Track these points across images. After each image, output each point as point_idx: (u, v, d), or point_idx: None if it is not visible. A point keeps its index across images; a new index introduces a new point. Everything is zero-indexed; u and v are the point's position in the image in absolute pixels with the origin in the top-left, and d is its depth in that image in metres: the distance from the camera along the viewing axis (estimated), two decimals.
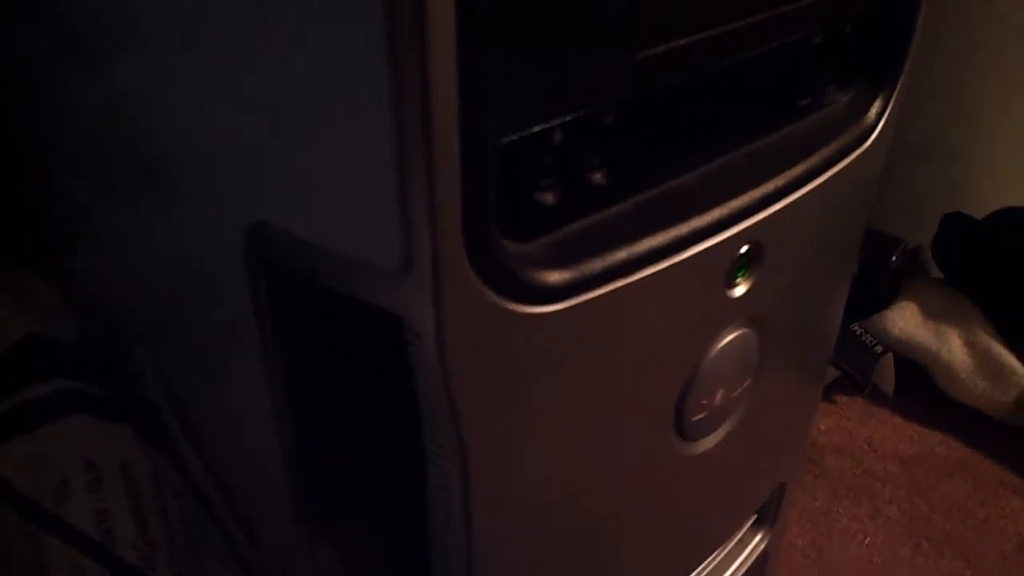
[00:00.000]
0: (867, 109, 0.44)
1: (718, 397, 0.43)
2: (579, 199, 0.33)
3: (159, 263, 0.47)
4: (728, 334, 0.41)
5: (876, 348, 0.86)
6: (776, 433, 0.53)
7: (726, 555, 0.58)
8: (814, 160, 0.41)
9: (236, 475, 0.51)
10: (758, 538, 0.60)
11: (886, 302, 0.91)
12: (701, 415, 0.42)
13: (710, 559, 0.55)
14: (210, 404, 0.49)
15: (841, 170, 0.43)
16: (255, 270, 0.37)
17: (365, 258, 0.30)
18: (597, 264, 0.32)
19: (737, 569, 0.59)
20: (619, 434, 0.39)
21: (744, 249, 0.38)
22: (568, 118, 0.29)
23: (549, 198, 0.32)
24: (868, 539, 0.74)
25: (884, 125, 0.45)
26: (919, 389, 0.90)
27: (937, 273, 0.98)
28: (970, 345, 0.85)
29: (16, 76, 0.52)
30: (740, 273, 0.39)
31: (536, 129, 0.29)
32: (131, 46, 0.37)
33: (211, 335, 0.45)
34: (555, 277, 0.31)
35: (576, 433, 0.37)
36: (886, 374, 0.86)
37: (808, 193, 0.41)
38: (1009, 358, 0.83)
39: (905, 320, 0.88)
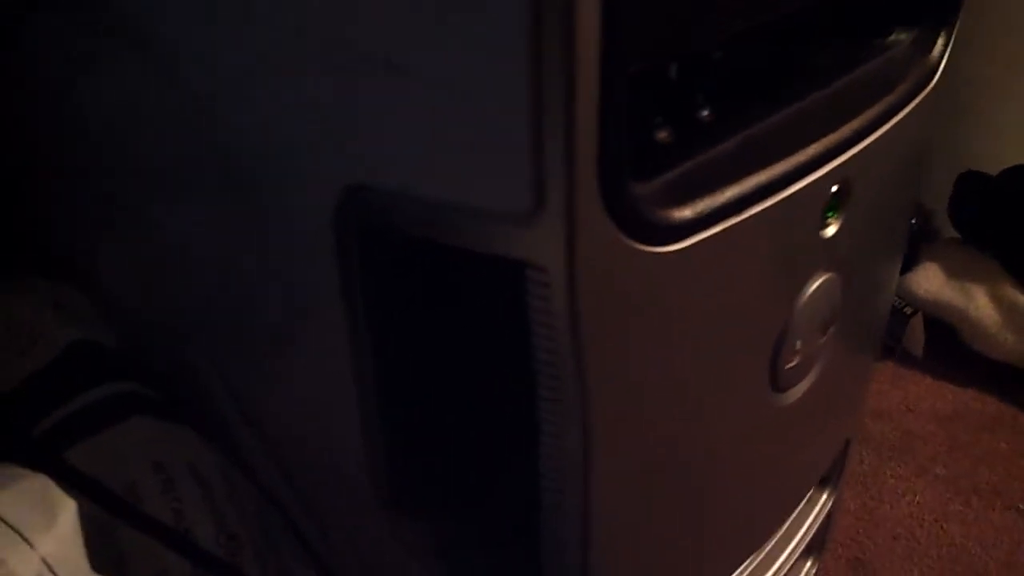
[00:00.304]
0: (931, 49, 0.44)
1: (808, 344, 0.42)
2: (689, 137, 0.32)
3: (218, 256, 0.45)
4: (818, 278, 0.40)
5: (905, 309, 0.86)
6: (846, 388, 0.53)
7: (796, 517, 0.58)
8: (891, 99, 0.41)
9: (306, 463, 0.50)
10: (824, 498, 0.60)
11: (907, 264, 0.91)
12: (792, 363, 0.42)
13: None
14: (277, 393, 0.48)
15: (912, 110, 0.43)
16: (345, 239, 0.36)
17: (489, 205, 0.29)
18: (714, 201, 0.31)
19: (807, 531, 0.58)
20: (724, 384, 0.38)
21: (835, 188, 0.38)
22: (691, 49, 0.29)
23: (663, 136, 0.31)
24: (918, 497, 0.74)
25: (945, 65, 0.45)
26: (945, 348, 0.90)
27: (949, 234, 0.99)
28: (996, 301, 0.85)
29: (45, 77, 0.51)
30: (831, 213, 0.39)
31: (662, 62, 0.29)
32: (207, 18, 0.36)
33: (282, 320, 0.44)
34: (679, 215, 0.30)
35: (687, 383, 0.36)
36: (916, 335, 0.87)
37: (887, 132, 0.40)
38: None
39: (929, 280, 0.88)
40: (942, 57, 0.45)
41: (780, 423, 0.45)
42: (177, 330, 0.54)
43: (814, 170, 0.35)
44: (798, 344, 0.41)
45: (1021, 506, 0.73)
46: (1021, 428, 0.81)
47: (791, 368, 0.42)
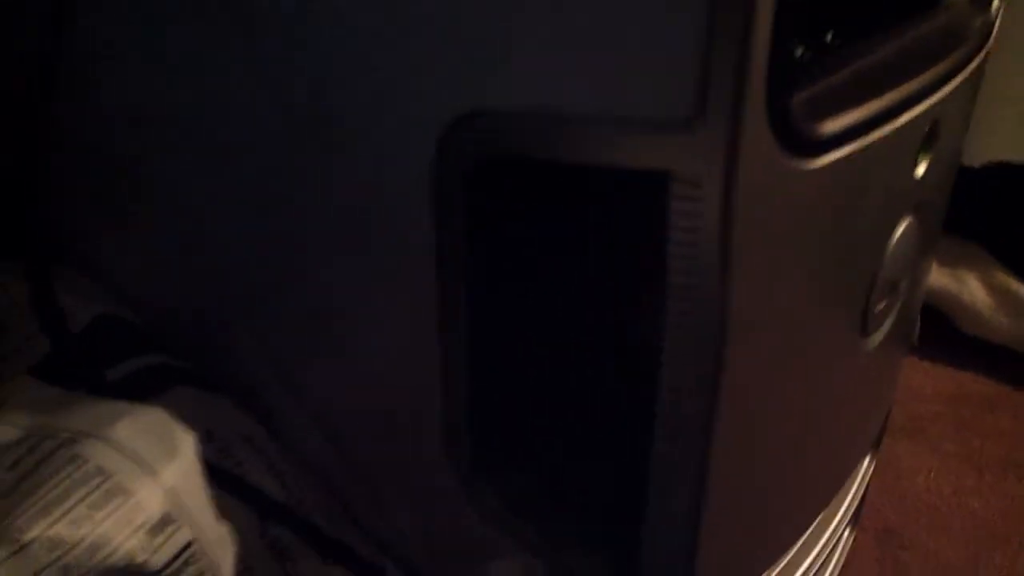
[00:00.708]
0: (988, 6, 0.46)
1: (889, 289, 0.43)
2: (819, 57, 0.33)
3: (270, 206, 0.44)
4: (905, 219, 0.41)
5: None
6: (899, 350, 0.54)
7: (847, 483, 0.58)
8: (965, 49, 0.42)
9: (362, 429, 0.48)
10: (867, 464, 0.61)
11: None
12: (881, 305, 0.42)
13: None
14: (332, 352, 0.46)
15: (977, 65, 0.44)
16: (448, 169, 0.34)
17: (641, 113, 0.29)
18: (851, 118, 0.32)
19: (854, 498, 0.59)
20: (829, 315, 0.39)
21: (927, 128, 0.39)
22: None
23: (799, 52, 0.32)
24: (933, 473, 0.76)
25: (997, 24, 0.47)
26: (936, 334, 0.92)
27: None
28: (988, 286, 0.88)
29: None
30: (922, 152, 0.40)
31: None
32: None
33: (350, 267, 0.42)
34: (827, 129, 0.31)
35: (804, 308, 0.36)
36: None
37: (962, 82, 0.42)
38: None
39: None
40: (997, 15, 0.46)
41: (858, 370, 0.45)
42: (210, 307, 0.52)
43: (919, 102, 0.36)
44: (888, 284, 0.42)
45: None
46: (1019, 406, 0.83)
47: (878, 311, 0.42)
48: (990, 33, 0.46)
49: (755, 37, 0.27)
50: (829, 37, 0.33)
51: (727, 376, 0.33)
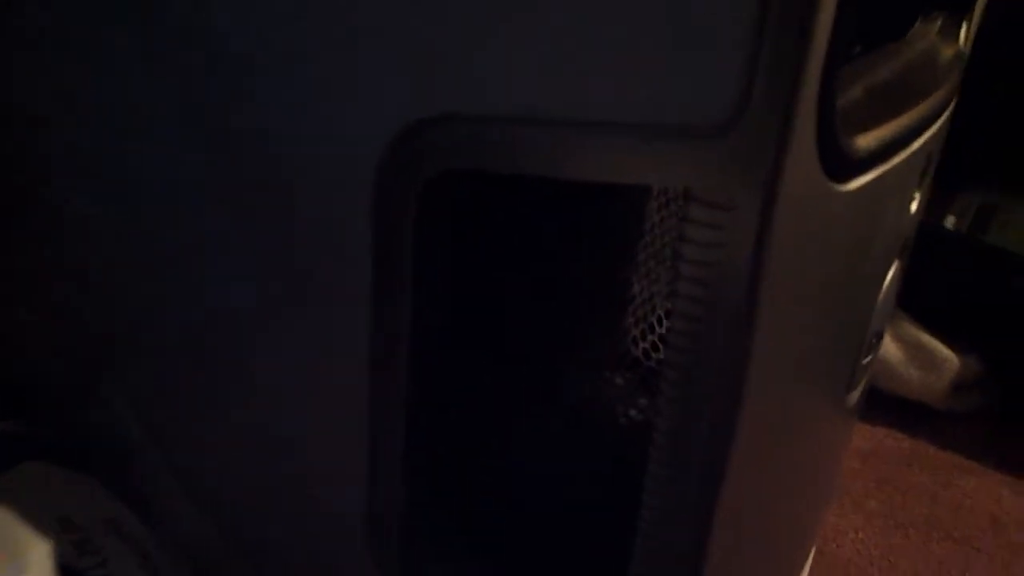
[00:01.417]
0: (957, 39, 0.43)
1: (878, 336, 0.39)
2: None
3: (164, 223, 0.36)
4: (895, 262, 0.37)
5: None
6: (859, 410, 0.50)
7: None
8: (950, 82, 0.39)
9: (263, 517, 0.40)
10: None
11: None
12: (868, 358, 0.38)
13: None
14: (228, 425, 0.38)
15: (954, 104, 0.41)
16: (399, 187, 0.28)
17: (661, 119, 0.23)
18: (879, 136, 0.28)
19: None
20: (827, 366, 0.34)
21: (926, 158, 0.36)
22: None
23: None
24: (860, 534, 0.73)
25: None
26: None
27: None
28: (899, 339, 0.88)
29: None
30: (915, 187, 0.36)
31: None
32: None
33: (257, 312, 0.34)
34: (860, 145, 0.26)
35: (811, 347, 0.31)
36: None
37: (947, 117, 0.39)
38: (938, 345, 0.86)
39: None
40: (966, 49, 0.44)
41: (834, 431, 0.41)
42: (73, 354, 0.43)
43: (929, 127, 0.33)
44: (875, 334, 0.38)
45: (956, 535, 0.73)
46: (936, 462, 0.82)
47: (864, 364, 0.38)
48: (963, 69, 0.43)
49: (816, 29, 0.22)
50: (857, 50, 0.29)
51: (739, 443, 0.28)
